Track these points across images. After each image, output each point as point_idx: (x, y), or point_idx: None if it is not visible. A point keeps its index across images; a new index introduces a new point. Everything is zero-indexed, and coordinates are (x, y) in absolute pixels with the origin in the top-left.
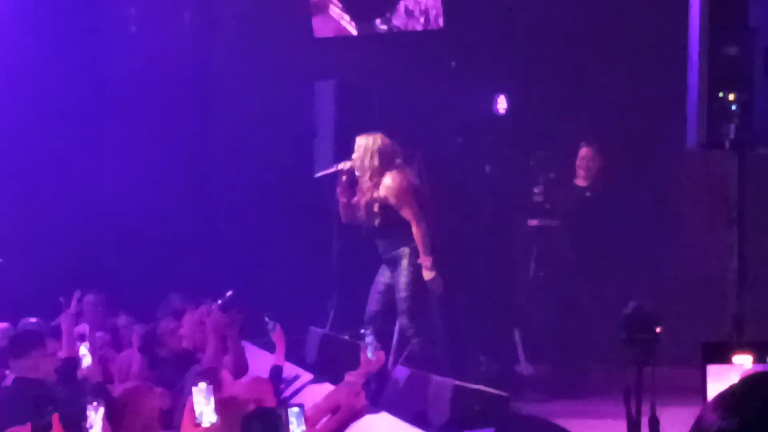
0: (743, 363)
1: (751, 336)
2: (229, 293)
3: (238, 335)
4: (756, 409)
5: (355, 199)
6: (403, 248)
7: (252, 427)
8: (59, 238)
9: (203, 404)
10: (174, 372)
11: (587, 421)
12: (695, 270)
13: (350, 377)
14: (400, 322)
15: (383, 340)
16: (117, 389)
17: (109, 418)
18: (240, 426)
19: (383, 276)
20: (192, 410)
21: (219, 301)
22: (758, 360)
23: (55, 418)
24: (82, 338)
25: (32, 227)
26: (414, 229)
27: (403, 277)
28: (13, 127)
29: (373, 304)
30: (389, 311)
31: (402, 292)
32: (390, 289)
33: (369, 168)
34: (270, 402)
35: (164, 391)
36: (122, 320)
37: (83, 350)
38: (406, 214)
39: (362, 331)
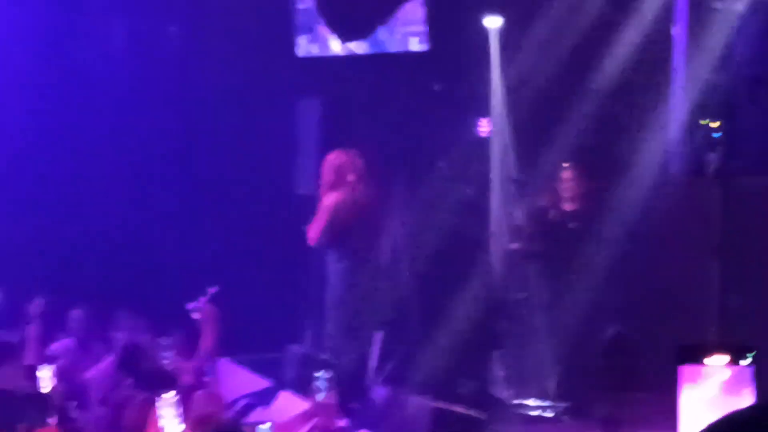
0: (717, 363)
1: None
2: (213, 289)
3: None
4: None
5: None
6: (333, 265)
7: None
8: (40, 247)
9: (170, 414)
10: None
11: None
12: (677, 297)
13: (326, 399)
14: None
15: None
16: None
17: None
18: None
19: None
20: (156, 420)
21: (207, 296)
22: (734, 361)
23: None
24: (53, 359)
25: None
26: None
27: (330, 293)
28: None
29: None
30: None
31: (330, 308)
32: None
33: (324, 185)
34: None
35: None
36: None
37: (45, 373)
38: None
39: (316, 373)
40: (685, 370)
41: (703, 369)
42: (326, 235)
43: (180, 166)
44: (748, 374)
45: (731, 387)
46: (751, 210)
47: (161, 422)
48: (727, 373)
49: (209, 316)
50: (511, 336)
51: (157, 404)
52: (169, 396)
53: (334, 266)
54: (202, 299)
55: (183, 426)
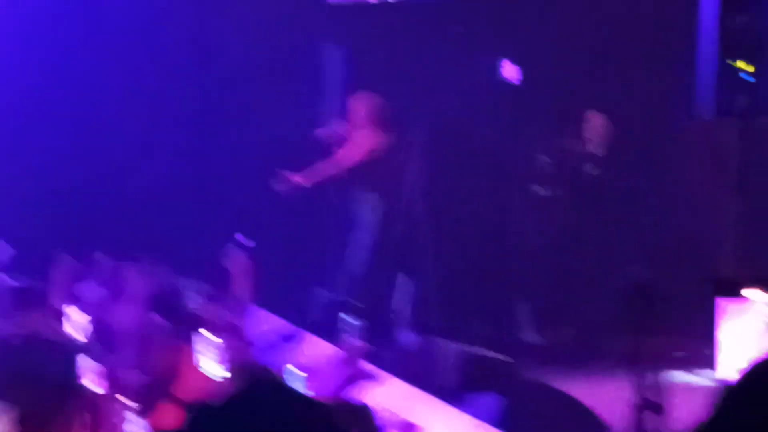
0: (755, 296)
1: None
2: (241, 237)
3: (250, 284)
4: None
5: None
6: (360, 205)
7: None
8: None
9: (211, 357)
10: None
11: (589, 386)
12: (696, 240)
13: (353, 344)
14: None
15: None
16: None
17: None
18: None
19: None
20: (191, 360)
21: (237, 244)
22: None
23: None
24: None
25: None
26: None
27: (357, 233)
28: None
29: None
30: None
31: (354, 251)
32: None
33: (351, 127)
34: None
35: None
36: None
37: (74, 315)
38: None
39: (342, 316)
40: (722, 304)
41: (741, 302)
42: (357, 174)
43: (205, 110)
44: None
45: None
46: None
47: (202, 363)
48: (764, 305)
49: (239, 263)
50: (535, 280)
51: (197, 345)
52: (210, 336)
53: (363, 209)
54: (233, 247)
55: (222, 368)
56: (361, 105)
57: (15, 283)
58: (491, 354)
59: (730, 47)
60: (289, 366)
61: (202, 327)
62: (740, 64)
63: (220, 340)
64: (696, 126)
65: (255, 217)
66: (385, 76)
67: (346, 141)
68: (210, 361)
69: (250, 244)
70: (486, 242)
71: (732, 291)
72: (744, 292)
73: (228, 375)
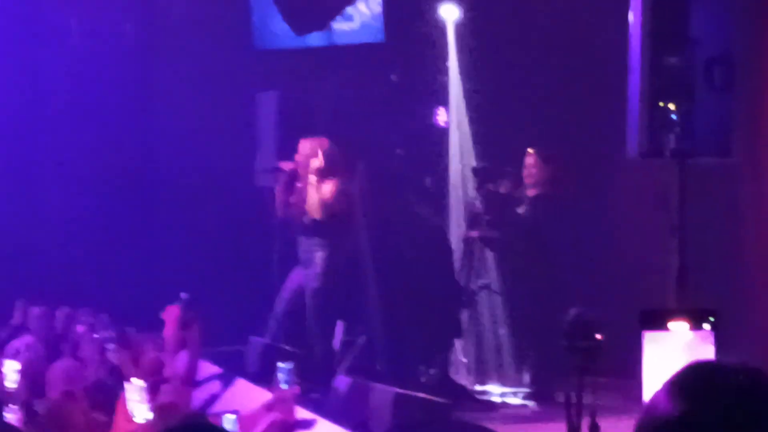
0: (679, 329)
1: None
2: (184, 295)
3: (197, 339)
4: (701, 397)
5: (293, 198)
6: (322, 251)
7: None
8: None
9: (136, 400)
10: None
11: (528, 428)
12: (637, 279)
13: (288, 390)
14: (309, 324)
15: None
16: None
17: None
18: None
19: (297, 276)
20: (125, 405)
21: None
22: (694, 326)
23: None
24: (16, 354)
25: None
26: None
27: (315, 282)
28: None
29: (283, 305)
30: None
31: (312, 296)
32: (302, 290)
33: (315, 169)
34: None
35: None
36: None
37: (10, 367)
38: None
39: (280, 364)
40: (648, 336)
41: (666, 334)
42: (304, 218)
43: (138, 160)
44: (710, 338)
45: (693, 350)
46: (708, 190)
47: (129, 406)
48: (690, 336)
49: (174, 312)
50: (472, 323)
51: (125, 389)
52: (138, 383)
53: (316, 254)
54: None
55: (151, 414)
56: (311, 148)
57: None
58: (430, 396)
59: (660, 88)
60: (225, 415)
61: (131, 372)
62: (670, 104)
63: (143, 384)
64: (631, 166)
65: (193, 265)
66: (318, 121)
67: (295, 183)
68: (136, 404)
69: (185, 294)
70: (426, 285)
71: (658, 323)
72: (670, 324)
73: (151, 416)
